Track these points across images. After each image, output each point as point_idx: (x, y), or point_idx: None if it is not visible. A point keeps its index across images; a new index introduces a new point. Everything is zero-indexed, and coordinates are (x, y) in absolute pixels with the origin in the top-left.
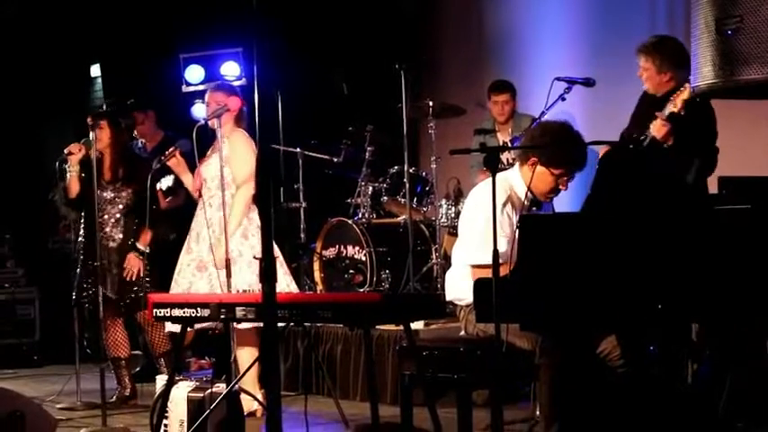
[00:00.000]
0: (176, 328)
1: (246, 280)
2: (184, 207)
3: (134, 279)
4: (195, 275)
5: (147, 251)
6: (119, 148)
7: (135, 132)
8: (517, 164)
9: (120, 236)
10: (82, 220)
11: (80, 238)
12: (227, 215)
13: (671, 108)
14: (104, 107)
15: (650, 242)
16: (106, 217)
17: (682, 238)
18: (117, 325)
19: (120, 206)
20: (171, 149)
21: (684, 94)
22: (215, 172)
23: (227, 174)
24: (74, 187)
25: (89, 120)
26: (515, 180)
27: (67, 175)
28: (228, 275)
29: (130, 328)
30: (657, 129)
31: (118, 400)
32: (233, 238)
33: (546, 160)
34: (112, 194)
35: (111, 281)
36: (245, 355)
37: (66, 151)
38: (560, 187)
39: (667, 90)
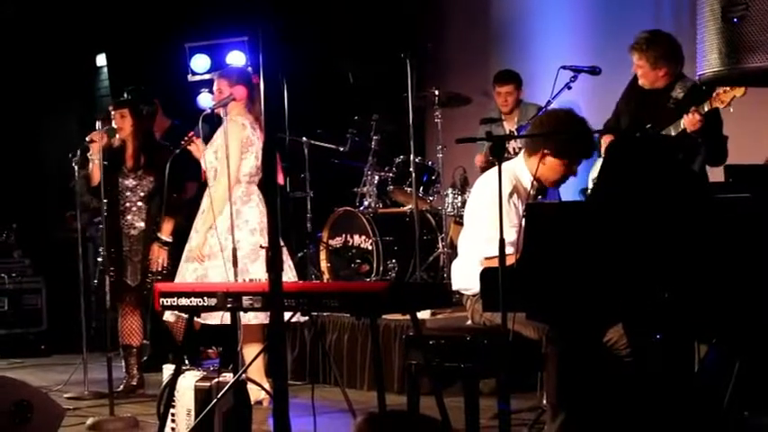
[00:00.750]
0: (173, 318)
1: (221, 273)
2: (194, 198)
3: (159, 269)
4: (184, 266)
5: (170, 241)
6: (141, 135)
7: None
8: (522, 153)
9: (142, 224)
10: (104, 210)
11: (100, 227)
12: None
13: (716, 104)
14: (126, 95)
15: (656, 231)
16: (128, 205)
17: (688, 226)
18: (135, 313)
19: (142, 194)
20: (189, 134)
21: (739, 92)
22: (209, 165)
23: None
24: (96, 175)
25: (110, 108)
26: (520, 169)
27: (89, 162)
28: (235, 265)
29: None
30: (693, 123)
31: (125, 389)
32: (218, 232)
33: (556, 151)
34: (134, 182)
35: (131, 269)
36: (253, 352)
37: (87, 139)
38: (570, 175)
39: (664, 84)
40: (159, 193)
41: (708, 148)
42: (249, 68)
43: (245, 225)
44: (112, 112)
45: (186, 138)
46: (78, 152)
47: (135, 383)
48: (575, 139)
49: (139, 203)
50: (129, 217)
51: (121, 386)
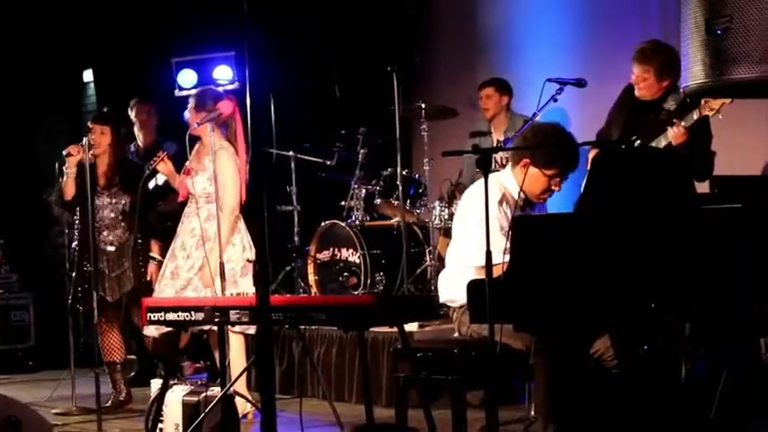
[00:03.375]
0: (156, 333)
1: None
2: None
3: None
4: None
5: (161, 258)
6: (115, 154)
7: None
8: (509, 165)
9: (117, 240)
10: (76, 225)
11: (74, 243)
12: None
13: (706, 112)
14: (106, 111)
15: (643, 241)
16: (104, 222)
17: (674, 237)
18: (113, 329)
19: (117, 211)
20: (158, 154)
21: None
22: (201, 191)
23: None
24: (69, 189)
25: (90, 124)
26: (508, 180)
27: (65, 176)
28: (223, 279)
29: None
30: (677, 136)
31: (113, 404)
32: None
33: (538, 161)
34: (108, 200)
35: (109, 285)
36: (236, 354)
37: (65, 152)
38: (553, 188)
39: (662, 94)
40: (135, 211)
41: (694, 161)
42: (236, 83)
43: (231, 248)
44: (91, 126)
45: (155, 158)
46: (57, 164)
47: (123, 398)
48: (556, 149)
49: (114, 221)
50: (104, 234)
51: (109, 401)
